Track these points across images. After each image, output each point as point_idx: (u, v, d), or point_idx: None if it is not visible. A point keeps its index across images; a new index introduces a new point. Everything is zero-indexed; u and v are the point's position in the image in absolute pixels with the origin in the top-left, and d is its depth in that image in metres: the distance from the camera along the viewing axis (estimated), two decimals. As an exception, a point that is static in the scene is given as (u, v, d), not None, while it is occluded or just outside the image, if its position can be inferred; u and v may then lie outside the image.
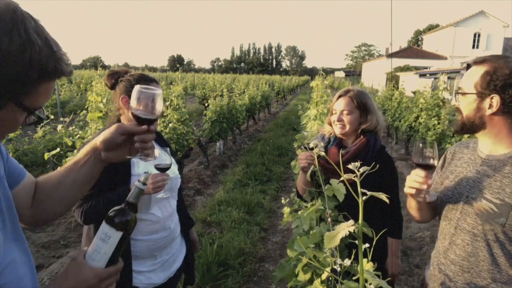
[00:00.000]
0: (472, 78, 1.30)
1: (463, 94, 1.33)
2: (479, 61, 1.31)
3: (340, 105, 1.96)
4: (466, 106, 1.32)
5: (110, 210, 0.91)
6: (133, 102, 0.97)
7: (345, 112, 1.93)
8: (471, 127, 1.33)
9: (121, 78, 1.70)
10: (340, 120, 1.94)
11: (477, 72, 1.30)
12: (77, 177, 0.97)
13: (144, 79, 1.68)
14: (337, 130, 1.96)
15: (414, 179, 1.29)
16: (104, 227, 0.88)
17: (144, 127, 0.96)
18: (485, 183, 1.29)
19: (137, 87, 0.97)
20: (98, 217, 1.54)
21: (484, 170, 1.32)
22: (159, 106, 0.99)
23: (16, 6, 0.72)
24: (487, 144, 1.35)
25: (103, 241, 0.87)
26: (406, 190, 1.33)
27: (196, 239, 2.09)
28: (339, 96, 1.99)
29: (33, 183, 1.01)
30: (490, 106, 1.26)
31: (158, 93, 0.98)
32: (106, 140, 0.95)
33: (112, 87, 1.73)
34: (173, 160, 1.85)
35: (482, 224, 1.28)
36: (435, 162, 1.27)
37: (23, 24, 0.70)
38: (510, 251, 1.25)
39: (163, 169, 1.56)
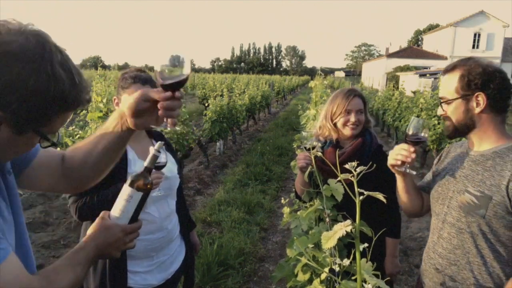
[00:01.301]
0: (450, 85, 1.36)
1: (448, 102, 1.38)
2: (450, 69, 1.39)
3: (355, 105, 1.89)
4: (454, 111, 1.37)
5: (132, 175, 1.01)
6: (157, 67, 0.92)
7: (360, 111, 1.90)
8: (463, 130, 1.38)
9: (120, 81, 1.71)
10: (357, 120, 1.88)
11: (452, 78, 1.36)
12: (108, 144, 1.00)
13: (128, 79, 1.67)
14: (348, 131, 1.89)
15: (399, 152, 1.37)
16: (127, 189, 1.00)
17: (168, 93, 0.91)
18: (469, 177, 1.36)
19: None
20: (93, 213, 1.52)
21: (469, 165, 1.39)
22: (186, 70, 0.93)
23: (45, 41, 0.76)
24: (475, 142, 1.40)
25: (126, 201, 0.99)
26: (391, 161, 1.41)
27: (197, 242, 2.07)
28: (354, 96, 1.92)
29: (55, 156, 1.06)
30: (478, 104, 1.32)
31: (184, 56, 0.94)
32: (131, 107, 0.94)
33: None
34: (173, 160, 1.84)
35: (465, 216, 1.33)
36: (422, 139, 1.37)
37: (50, 60, 0.74)
38: (493, 243, 1.30)
39: (158, 167, 1.54)
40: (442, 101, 1.40)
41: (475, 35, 39.84)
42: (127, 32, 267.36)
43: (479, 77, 1.30)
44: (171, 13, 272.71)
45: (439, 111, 1.43)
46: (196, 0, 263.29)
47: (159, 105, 0.92)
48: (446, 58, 41.00)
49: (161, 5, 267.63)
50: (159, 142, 1.08)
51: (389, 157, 1.42)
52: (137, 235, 1.04)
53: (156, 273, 1.71)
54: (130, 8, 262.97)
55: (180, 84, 0.93)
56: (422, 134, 1.37)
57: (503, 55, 38.86)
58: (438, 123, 6.60)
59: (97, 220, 0.99)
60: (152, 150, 1.05)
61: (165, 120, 0.97)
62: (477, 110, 1.32)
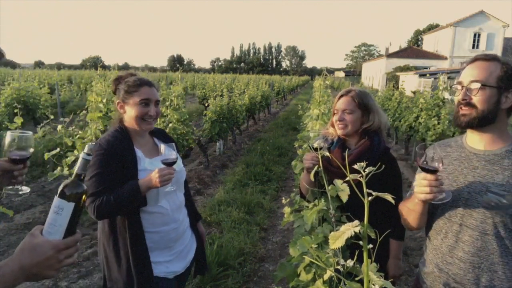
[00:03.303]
0: (491, 72, 1.32)
1: (483, 87, 1.31)
2: (489, 58, 1.35)
3: (341, 104, 1.94)
4: (486, 99, 1.32)
5: (61, 184, 0.94)
6: (6, 145, 1.14)
7: (346, 111, 1.91)
8: (483, 122, 1.34)
9: (119, 85, 1.81)
10: (341, 119, 1.91)
11: (493, 66, 1.33)
12: None
13: (135, 84, 1.76)
14: (339, 131, 1.94)
15: (427, 184, 1.25)
16: (56, 200, 0.92)
17: (20, 165, 1.17)
18: (487, 177, 1.33)
19: (8, 134, 1.15)
20: (110, 211, 1.63)
21: (483, 165, 1.36)
22: (30, 147, 1.18)
23: None
24: (488, 140, 1.38)
25: (56, 214, 0.90)
26: (422, 196, 1.27)
27: (203, 231, 2.18)
28: (341, 96, 1.98)
29: None
30: (506, 100, 1.32)
31: (28, 136, 1.17)
32: None
33: (114, 92, 1.85)
34: (177, 154, 1.91)
35: (492, 217, 1.30)
36: (440, 165, 1.25)
37: None
38: None
39: (169, 164, 1.63)
40: (477, 84, 1.31)
41: (475, 35, 39.79)
42: (127, 32, 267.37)
43: None
44: (171, 13, 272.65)
45: (462, 95, 1.35)
46: (196, 0, 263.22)
47: (15, 173, 1.17)
48: (446, 58, 41.00)
49: (161, 5, 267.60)
50: (89, 144, 1.03)
51: (419, 192, 1.28)
52: (75, 250, 0.93)
53: (176, 262, 1.84)
54: (130, 8, 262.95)
55: (27, 159, 1.18)
56: (436, 164, 1.23)
57: (503, 55, 38.58)
58: (438, 123, 6.59)
59: (26, 237, 0.90)
60: (81, 154, 1.00)
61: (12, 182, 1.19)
62: (504, 106, 1.33)
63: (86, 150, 1.00)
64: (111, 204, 1.60)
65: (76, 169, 0.98)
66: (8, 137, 1.14)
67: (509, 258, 1.31)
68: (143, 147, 1.81)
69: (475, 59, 1.38)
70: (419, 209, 1.40)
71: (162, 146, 1.63)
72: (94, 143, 1.12)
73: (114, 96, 1.89)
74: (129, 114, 1.76)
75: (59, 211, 0.90)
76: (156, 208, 1.74)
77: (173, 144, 1.71)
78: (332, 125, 2.00)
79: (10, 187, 1.19)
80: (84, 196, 0.94)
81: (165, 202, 1.78)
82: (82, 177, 0.97)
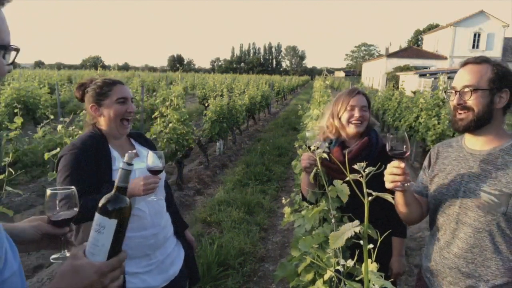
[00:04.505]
0: (482, 75, 1.37)
1: (476, 91, 1.37)
2: (478, 61, 1.40)
3: (359, 101, 1.90)
4: (480, 102, 1.37)
5: (101, 199, 0.85)
6: (46, 205, 0.98)
7: (364, 108, 1.91)
8: (480, 123, 1.39)
9: (87, 89, 1.75)
10: (361, 116, 1.88)
11: (484, 69, 1.37)
12: None
13: (107, 84, 1.71)
14: (353, 129, 1.89)
15: (393, 172, 1.34)
16: (97, 217, 0.83)
17: (66, 228, 1.01)
18: (481, 177, 1.38)
19: (48, 191, 0.99)
20: (85, 216, 1.48)
21: (477, 165, 1.41)
22: (76, 206, 1.02)
23: None
24: (484, 139, 1.43)
25: (98, 232, 0.82)
26: (388, 185, 1.36)
27: (192, 239, 2.08)
28: (358, 93, 1.94)
29: None
30: (500, 100, 1.36)
31: (72, 192, 1.01)
32: (22, 233, 0.95)
33: (82, 99, 1.78)
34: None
35: (485, 215, 1.35)
36: (408, 151, 1.34)
37: None
38: None
39: (155, 172, 1.57)
40: (470, 89, 1.37)
41: (475, 35, 39.77)
42: (127, 32, 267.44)
43: (510, 75, 1.36)
44: (171, 13, 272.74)
45: (456, 100, 1.41)
46: (196, 0, 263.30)
47: (62, 238, 1.01)
48: (446, 58, 40.97)
49: (161, 5, 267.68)
50: (128, 153, 0.92)
51: (385, 181, 1.37)
52: (121, 272, 0.84)
53: (155, 274, 1.69)
54: (130, 8, 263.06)
55: (72, 220, 1.02)
56: (402, 145, 1.34)
57: (503, 55, 38.84)
58: (438, 123, 6.59)
59: (68, 259, 0.82)
60: (122, 165, 0.89)
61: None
62: (498, 105, 1.37)
63: (126, 159, 0.88)
64: (87, 209, 1.45)
65: (116, 182, 0.87)
66: (48, 194, 0.98)
67: (503, 255, 1.35)
68: (119, 148, 1.74)
69: (466, 63, 1.43)
70: (400, 201, 1.50)
71: (150, 153, 1.56)
72: (134, 151, 0.95)
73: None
74: (107, 115, 1.69)
75: (101, 230, 0.81)
76: (134, 210, 1.63)
77: (162, 152, 1.62)
78: (331, 124, 1.97)
79: (57, 255, 1.02)
80: (128, 211, 0.85)
81: (144, 205, 1.68)
82: (123, 190, 0.87)
